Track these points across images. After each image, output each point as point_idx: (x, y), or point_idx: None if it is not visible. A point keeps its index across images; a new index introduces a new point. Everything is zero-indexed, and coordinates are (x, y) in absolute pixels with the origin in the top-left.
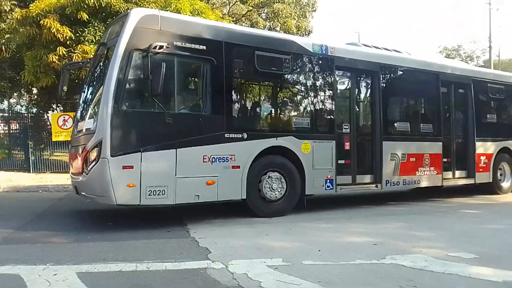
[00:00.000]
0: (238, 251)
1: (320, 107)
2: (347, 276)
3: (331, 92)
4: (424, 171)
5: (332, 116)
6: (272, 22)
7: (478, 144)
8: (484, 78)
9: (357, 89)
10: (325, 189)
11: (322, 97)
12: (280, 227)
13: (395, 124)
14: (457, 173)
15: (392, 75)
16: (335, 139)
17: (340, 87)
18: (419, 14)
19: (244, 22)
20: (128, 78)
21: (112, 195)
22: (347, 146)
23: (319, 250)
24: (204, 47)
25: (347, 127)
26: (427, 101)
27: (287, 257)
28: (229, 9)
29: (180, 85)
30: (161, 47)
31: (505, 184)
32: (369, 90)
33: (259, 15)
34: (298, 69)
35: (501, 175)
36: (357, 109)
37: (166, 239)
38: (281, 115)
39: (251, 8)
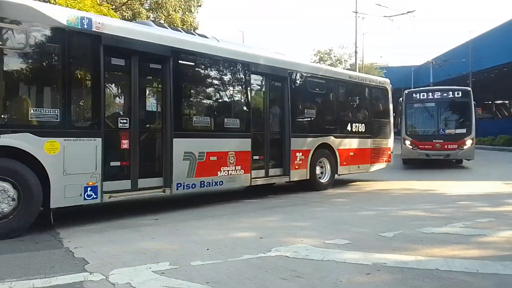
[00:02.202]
0: (120, 259)
1: (81, 94)
2: (235, 273)
3: (98, 77)
4: (228, 170)
5: (99, 107)
6: (155, 13)
7: (294, 140)
8: (303, 71)
9: (141, 77)
10: (85, 198)
11: (85, 83)
12: (167, 228)
13: (191, 118)
14: (271, 171)
15: (190, 62)
16: (102, 136)
17: (114, 72)
18: (299, 17)
19: (125, 11)
20: None
21: None
22: (124, 144)
23: (208, 249)
24: None
25: (125, 121)
26: (234, 94)
27: (175, 260)
28: None
29: None
30: None
31: (324, 181)
32: (158, 78)
33: (142, 5)
34: (46, 45)
35: (321, 172)
36: (141, 101)
37: (33, 251)
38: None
39: None
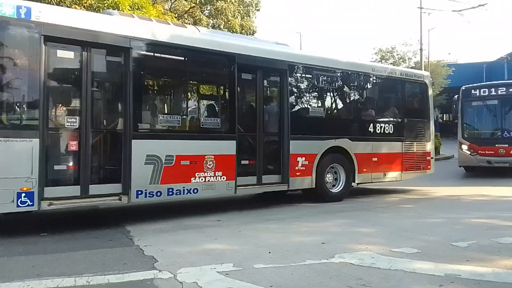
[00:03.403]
0: (186, 258)
1: (18, 90)
2: (298, 277)
3: (38, 68)
4: (205, 177)
5: (37, 104)
6: (215, 20)
7: (294, 143)
8: (307, 63)
9: (95, 70)
10: (18, 205)
11: (23, 77)
12: (229, 230)
13: (156, 117)
14: (265, 178)
15: (155, 53)
16: (41, 136)
17: (57, 63)
18: (359, 16)
19: (187, 18)
20: None
21: None
22: (73, 146)
23: (270, 252)
24: None
25: (74, 120)
26: (215, 90)
27: (238, 262)
28: (171, 4)
29: None
30: None
31: (337, 190)
32: (114, 72)
33: (202, 12)
34: None
35: (336, 179)
36: (95, 98)
37: (107, 248)
38: None
39: (193, 4)
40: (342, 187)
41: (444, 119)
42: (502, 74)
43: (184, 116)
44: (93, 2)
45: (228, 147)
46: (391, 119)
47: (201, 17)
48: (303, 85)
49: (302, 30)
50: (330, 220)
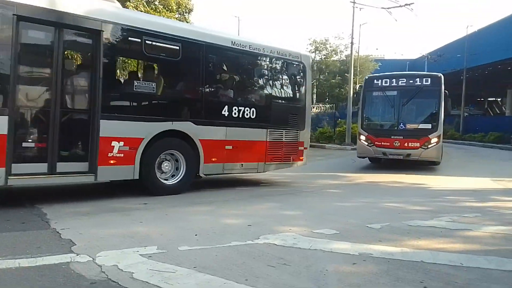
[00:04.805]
0: (107, 241)
1: None
2: (222, 259)
3: (9, 47)
4: None
5: (7, 82)
6: None
7: (107, 123)
8: (132, 25)
9: (62, 50)
10: None
11: None
12: (156, 213)
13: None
14: (62, 166)
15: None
16: (10, 114)
17: (28, 43)
18: (298, 8)
19: None
20: None
21: None
22: (41, 124)
23: (196, 235)
24: None
25: (42, 99)
26: None
27: (162, 244)
28: None
29: None
30: None
31: (172, 182)
32: (84, 53)
33: None
34: None
35: (177, 169)
36: (63, 77)
37: (20, 231)
38: None
39: None
40: (180, 178)
41: None
42: (422, 70)
43: None
44: None
45: None
46: (254, 102)
47: None
48: (126, 53)
49: (241, 15)
50: (259, 203)
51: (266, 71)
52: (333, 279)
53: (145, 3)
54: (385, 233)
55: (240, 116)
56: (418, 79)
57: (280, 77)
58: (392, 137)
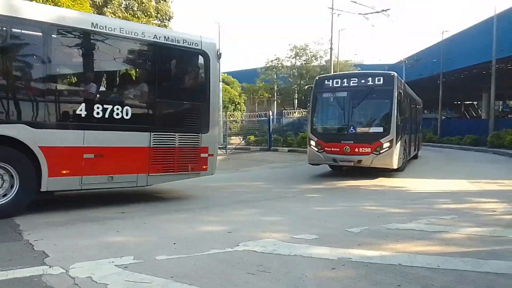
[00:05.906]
0: (82, 253)
1: None
2: (201, 267)
3: None
4: None
5: None
6: (128, 1)
7: None
8: None
9: None
10: None
11: None
12: (133, 222)
13: None
14: None
15: None
16: None
17: None
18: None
19: None
20: None
21: None
22: None
23: (174, 243)
24: None
25: None
26: None
27: (139, 254)
28: None
29: None
30: None
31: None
32: None
33: None
34: None
35: (12, 186)
36: None
37: None
38: None
39: None
40: (11, 198)
41: None
42: (400, 75)
43: None
44: None
45: None
46: (129, 99)
47: None
48: None
49: (220, 20)
50: (240, 209)
51: (147, 62)
52: (312, 285)
53: (123, 9)
54: (364, 237)
55: (107, 116)
56: (370, 79)
57: (170, 68)
58: (342, 142)
